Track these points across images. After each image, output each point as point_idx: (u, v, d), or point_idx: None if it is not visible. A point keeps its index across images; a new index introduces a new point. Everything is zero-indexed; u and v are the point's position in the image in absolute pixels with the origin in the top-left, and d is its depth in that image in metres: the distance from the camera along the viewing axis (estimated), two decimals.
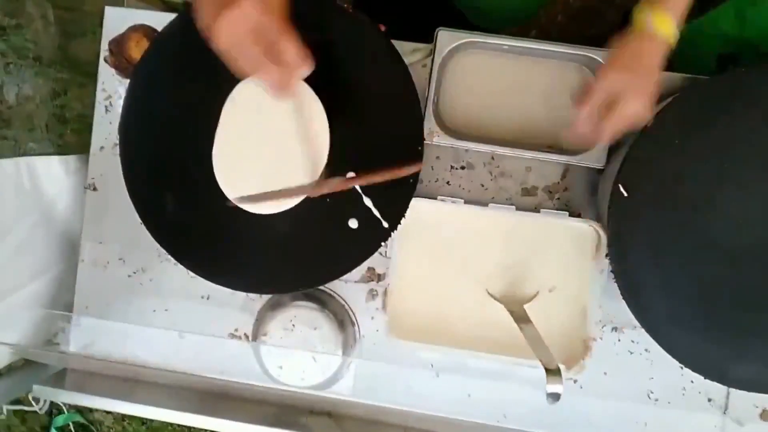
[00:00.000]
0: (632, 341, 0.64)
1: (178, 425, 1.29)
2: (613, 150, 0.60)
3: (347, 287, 0.66)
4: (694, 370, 0.54)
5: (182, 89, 0.58)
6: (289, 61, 0.40)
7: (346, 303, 0.66)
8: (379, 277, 0.66)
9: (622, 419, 0.63)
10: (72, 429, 1.28)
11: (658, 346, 0.54)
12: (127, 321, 0.68)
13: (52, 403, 1.26)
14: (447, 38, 0.60)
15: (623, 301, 0.54)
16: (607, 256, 0.57)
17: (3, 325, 0.63)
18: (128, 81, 0.60)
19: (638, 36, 0.48)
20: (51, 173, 0.66)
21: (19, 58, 0.60)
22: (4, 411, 1.25)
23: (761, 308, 0.53)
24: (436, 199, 0.62)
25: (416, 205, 0.59)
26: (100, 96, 0.68)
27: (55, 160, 0.66)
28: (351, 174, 0.56)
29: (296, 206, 0.58)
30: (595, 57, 0.60)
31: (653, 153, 0.53)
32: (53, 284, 0.70)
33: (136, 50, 0.64)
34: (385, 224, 0.58)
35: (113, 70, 0.67)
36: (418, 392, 0.65)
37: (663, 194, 0.53)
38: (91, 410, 1.30)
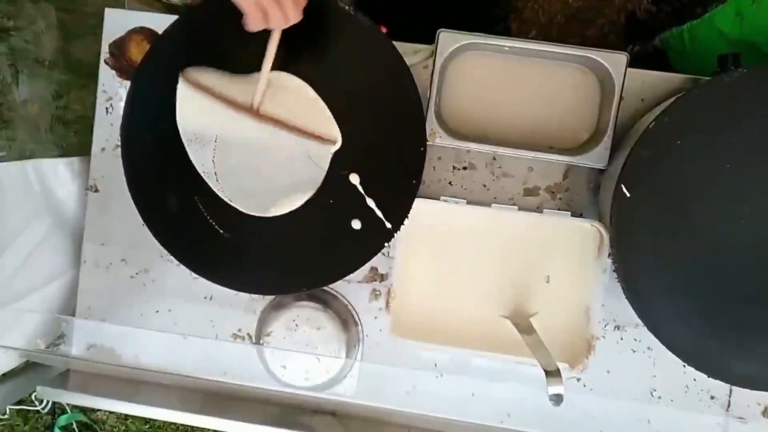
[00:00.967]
0: (635, 339, 0.64)
1: (181, 425, 1.30)
2: (615, 150, 0.60)
3: (350, 287, 0.66)
4: (696, 368, 0.54)
5: None
6: None
7: (349, 303, 0.66)
8: (382, 278, 0.66)
9: (625, 417, 0.63)
10: (75, 428, 1.29)
11: (661, 345, 0.54)
12: (130, 321, 0.68)
13: (55, 402, 1.26)
14: (448, 39, 0.60)
15: (626, 300, 0.54)
16: (609, 255, 0.57)
17: (10, 328, 0.63)
18: (129, 83, 0.60)
19: None
20: (58, 176, 0.66)
21: (20, 59, 0.59)
22: (7, 410, 1.25)
23: (764, 306, 0.53)
24: (438, 199, 0.62)
25: (419, 205, 0.59)
26: (100, 98, 0.68)
27: (60, 162, 0.66)
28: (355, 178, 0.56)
29: (299, 207, 0.58)
30: (595, 57, 0.60)
31: (655, 153, 0.53)
32: (67, 288, 0.70)
33: (137, 52, 0.64)
34: (388, 225, 0.58)
35: (114, 72, 0.67)
36: (422, 393, 0.65)
37: (665, 194, 0.53)
38: (93, 410, 1.31)
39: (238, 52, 0.57)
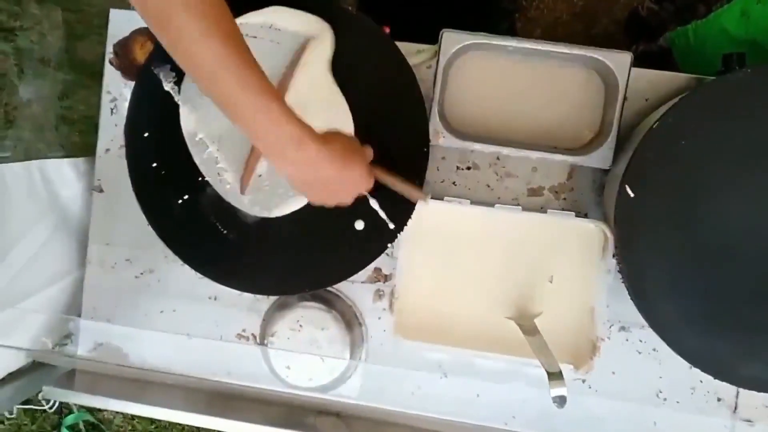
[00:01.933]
0: (640, 341, 0.63)
1: (187, 425, 1.30)
2: (619, 150, 0.60)
3: (354, 288, 0.66)
4: (703, 369, 0.54)
5: None
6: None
7: (353, 303, 0.66)
8: (386, 278, 0.66)
9: (630, 419, 0.63)
10: (82, 428, 1.29)
11: (667, 346, 0.53)
12: (135, 322, 0.68)
13: (61, 402, 1.27)
14: (452, 39, 0.60)
15: (631, 301, 0.54)
16: (614, 256, 0.57)
17: (16, 329, 0.63)
18: (133, 83, 0.60)
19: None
20: (63, 176, 0.67)
21: (25, 60, 0.60)
22: (14, 410, 1.26)
23: None
24: (442, 199, 0.62)
25: (422, 206, 0.59)
26: (105, 98, 0.69)
27: (65, 162, 0.67)
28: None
29: (303, 208, 0.58)
30: (599, 57, 0.59)
31: (660, 153, 0.53)
32: (72, 288, 0.71)
33: (141, 53, 0.64)
34: (392, 226, 0.58)
35: (118, 72, 0.67)
36: (426, 394, 0.65)
37: (670, 194, 0.53)
38: (100, 409, 1.31)
39: None
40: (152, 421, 1.32)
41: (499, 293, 0.63)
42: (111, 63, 0.67)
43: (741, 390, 0.63)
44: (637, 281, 0.54)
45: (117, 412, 1.31)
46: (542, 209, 0.64)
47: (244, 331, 0.68)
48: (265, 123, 0.41)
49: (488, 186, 0.65)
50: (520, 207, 0.62)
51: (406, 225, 0.58)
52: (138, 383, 0.69)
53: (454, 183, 0.66)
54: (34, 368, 0.70)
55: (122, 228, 0.68)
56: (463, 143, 0.61)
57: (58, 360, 0.71)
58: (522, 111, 0.64)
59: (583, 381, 0.64)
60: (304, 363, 0.61)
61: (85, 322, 0.69)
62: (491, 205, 0.62)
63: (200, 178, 0.59)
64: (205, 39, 0.38)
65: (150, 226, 0.59)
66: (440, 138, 0.61)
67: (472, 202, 0.62)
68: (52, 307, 0.68)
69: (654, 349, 0.63)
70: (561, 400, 0.49)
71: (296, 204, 0.58)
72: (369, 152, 0.52)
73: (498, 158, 0.65)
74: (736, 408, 0.63)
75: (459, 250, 0.63)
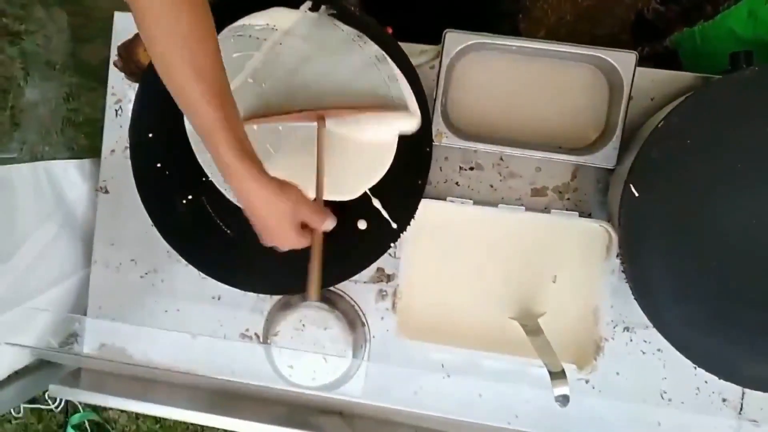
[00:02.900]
0: (644, 341, 0.63)
1: (191, 424, 1.31)
2: (624, 149, 0.60)
3: (357, 288, 0.66)
4: (708, 370, 0.53)
5: None
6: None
7: (355, 303, 0.66)
8: (389, 278, 0.66)
9: (634, 420, 0.63)
10: (87, 427, 1.30)
11: (671, 346, 0.53)
12: (140, 321, 0.69)
13: (67, 401, 1.28)
14: (455, 39, 0.60)
15: (635, 302, 0.54)
16: (618, 256, 0.56)
17: (22, 327, 0.64)
18: (137, 85, 0.61)
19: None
20: (68, 178, 0.67)
21: (31, 63, 0.60)
22: (21, 410, 1.27)
23: None
24: (445, 200, 0.62)
25: (425, 206, 0.59)
26: (110, 100, 0.69)
27: (71, 164, 0.67)
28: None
29: None
30: (604, 56, 0.59)
31: (665, 153, 0.52)
32: (77, 288, 0.71)
33: (145, 55, 0.64)
34: (394, 225, 0.58)
35: (122, 75, 0.68)
36: (429, 393, 0.65)
37: (675, 194, 0.53)
38: (105, 409, 1.32)
39: None
40: (157, 420, 1.33)
41: (503, 293, 0.63)
42: (115, 65, 0.68)
43: (747, 390, 0.62)
44: (642, 281, 0.53)
45: (122, 411, 1.32)
46: (546, 209, 0.64)
47: (247, 330, 0.68)
48: (210, 148, 0.43)
49: (491, 186, 0.65)
50: (523, 207, 0.62)
51: (408, 225, 0.58)
52: (143, 382, 0.70)
53: (457, 183, 0.66)
54: (40, 367, 0.70)
55: (127, 228, 0.69)
56: (466, 143, 0.61)
57: (63, 358, 0.71)
58: (526, 111, 0.63)
59: (587, 381, 0.63)
60: (307, 362, 0.61)
61: (91, 320, 0.69)
62: (495, 205, 0.62)
63: (204, 179, 0.59)
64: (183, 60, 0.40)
65: (154, 227, 0.59)
66: (443, 138, 0.61)
67: (475, 203, 0.62)
68: (58, 306, 0.69)
69: (658, 350, 0.63)
70: (564, 400, 0.49)
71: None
72: (326, 220, 0.49)
73: (501, 158, 0.65)
74: (741, 409, 0.62)
75: (462, 250, 0.63)
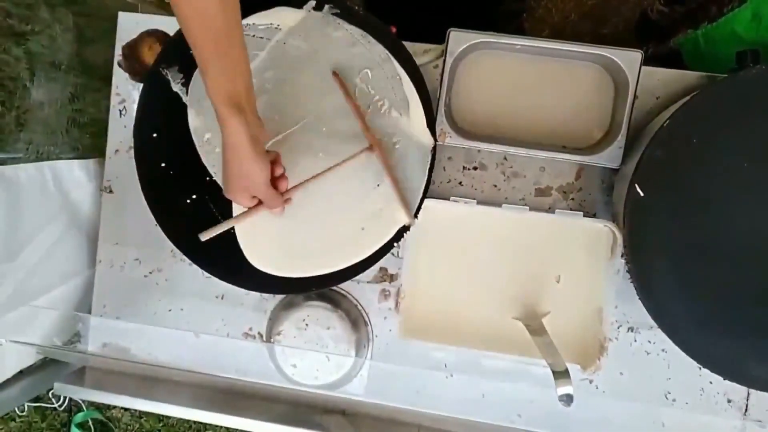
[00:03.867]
0: (649, 341, 0.63)
1: (194, 422, 1.31)
2: (629, 149, 0.59)
3: (360, 287, 0.66)
4: (712, 370, 0.53)
5: None
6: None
7: (358, 303, 0.66)
8: (392, 278, 0.66)
9: (638, 420, 0.62)
10: (91, 425, 1.31)
11: (676, 347, 0.53)
12: (144, 320, 0.69)
13: (71, 400, 1.29)
14: (458, 39, 0.60)
15: (639, 301, 0.53)
16: (622, 256, 0.56)
17: (28, 326, 0.64)
18: (141, 85, 0.61)
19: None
20: (74, 177, 0.68)
21: (37, 63, 0.61)
22: (26, 408, 1.28)
23: None
24: (448, 199, 0.62)
25: (429, 205, 0.59)
26: (114, 100, 0.69)
27: (76, 164, 0.68)
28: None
29: (309, 206, 0.58)
30: (609, 55, 0.59)
31: (670, 152, 0.52)
32: (82, 287, 0.72)
33: (149, 55, 0.64)
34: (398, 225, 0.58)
35: (127, 75, 0.68)
36: (432, 392, 0.65)
37: (680, 194, 0.52)
38: (109, 407, 1.33)
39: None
40: (160, 418, 1.34)
41: (506, 293, 0.63)
42: (120, 65, 0.68)
43: (752, 391, 0.62)
44: (646, 281, 0.53)
45: (125, 410, 1.32)
46: (550, 209, 0.63)
47: (250, 329, 0.68)
48: (209, 86, 0.44)
49: (495, 186, 0.65)
50: (527, 207, 0.62)
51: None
52: (146, 381, 0.70)
53: (460, 183, 0.65)
54: (45, 365, 0.71)
55: (131, 228, 0.69)
56: (470, 143, 0.61)
57: (68, 357, 0.72)
58: (530, 110, 0.63)
59: (591, 381, 0.63)
60: (310, 361, 0.61)
61: (95, 319, 0.70)
62: (498, 205, 0.62)
63: (208, 178, 0.59)
64: None
65: (158, 226, 0.59)
66: (447, 138, 0.61)
67: (479, 202, 0.62)
68: (63, 305, 0.69)
69: (663, 350, 0.63)
70: (567, 399, 0.49)
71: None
72: (274, 208, 0.51)
73: (505, 158, 0.65)
74: (746, 409, 0.62)
75: (465, 250, 0.63)
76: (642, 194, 0.52)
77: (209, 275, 0.59)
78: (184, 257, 0.59)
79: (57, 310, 0.68)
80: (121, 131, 0.69)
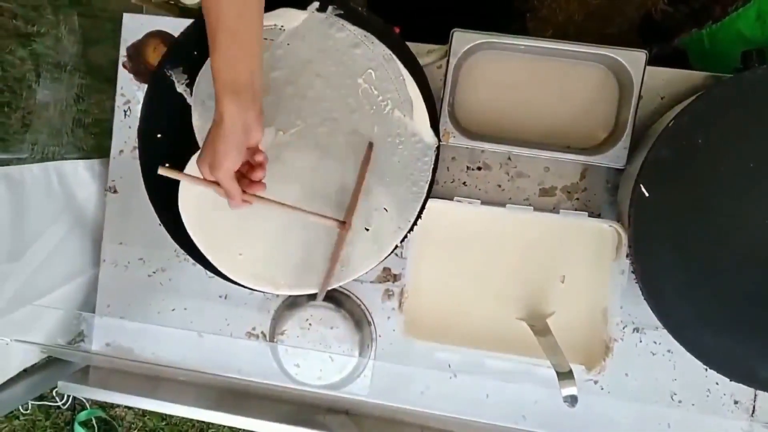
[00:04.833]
0: (654, 342, 0.62)
1: (197, 421, 1.31)
2: (634, 149, 0.59)
3: (363, 287, 0.66)
4: (719, 371, 0.53)
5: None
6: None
7: (362, 303, 0.66)
8: (395, 278, 0.66)
9: (644, 421, 0.62)
10: (94, 424, 1.32)
11: (681, 347, 0.53)
12: (147, 319, 0.69)
13: (74, 398, 1.29)
14: (462, 39, 0.60)
15: (644, 302, 0.53)
16: (627, 256, 0.56)
17: (32, 325, 0.65)
18: (146, 86, 0.61)
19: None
20: (78, 177, 0.68)
21: (42, 64, 0.61)
22: (29, 406, 1.29)
23: None
24: (452, 199, 0.62)
25: (432, 205, 0.59)
26: (119, 101, 0.70)
27: (80, 164, 0.68)
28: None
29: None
30: (613, 55, 0.59)
31: (675, 152, 0.52)
32: (86, 286, 0.72)
33: (154, 55, 0.65)
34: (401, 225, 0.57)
35: (131, 76, 0.68)
36: (436, 393, 0.64)
37: (685, 194, 0.52)
38: (112, 406, 1.33)
39: None
40: (163, 417, 1.34)
41: (510, 293, 0.62)
42: (124, 66, 0.68)
43: (759, 392, 0.61)
44: (652, 282, 0.53)
45: (128, 409, 1.33)
46: (554, 209, 0.63)
47: (253, 329, 0.68)
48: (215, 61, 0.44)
49: (499, 186, 0.65)
50: (531, 207, 0.62)
51: (415, 225, 0.58)
52: (150, 380, 0.70)
53: (464, 183, 0.65)
54: (49, 364, 0.71)
55: (135, 228, 0.69)
56: (474, 143, 0.61)
57: (72, 356, 0.72)
58: (534, 110, 0.63)
59: (596, 382, 0.63)
60: (314, 361, 0.61)
61: (99, 318, 0.70)
62: (502, 205, 0.62)
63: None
64: None
65: (162, 226, 0.60)
66: (450, 138, 0.61)
67: (483, 203, 0.62)
68: (67, 305, 0.70)
69: (668, 351, 0.62)
70: (572, 400, 0.49)
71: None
72: (231, 200, 0.50)
73: (509, 158, 0.64)
74: (753, 411, 0.62)
75: (469, 250, 0.63)
76: (647, 194, 0.52)
77: (213, 275, 0.59)
78: (188, 257, 0.59)
79: (61, 310, 0.69)
80: (125, 132, 0.70)
